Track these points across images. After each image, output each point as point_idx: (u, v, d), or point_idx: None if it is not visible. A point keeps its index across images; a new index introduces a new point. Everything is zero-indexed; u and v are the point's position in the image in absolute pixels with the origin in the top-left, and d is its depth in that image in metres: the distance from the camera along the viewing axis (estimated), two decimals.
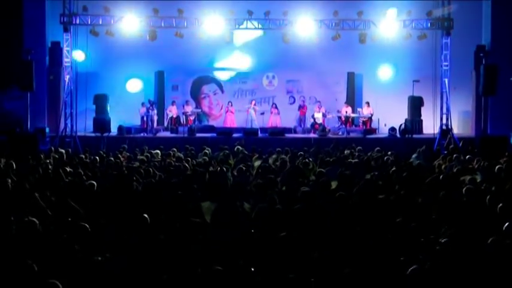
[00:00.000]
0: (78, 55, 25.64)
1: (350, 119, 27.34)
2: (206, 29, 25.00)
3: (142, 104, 26.68)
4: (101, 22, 24.73)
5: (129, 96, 27.39)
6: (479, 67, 23.75)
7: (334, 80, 28.76)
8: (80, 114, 24.74)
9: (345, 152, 19.38)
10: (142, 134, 25.55)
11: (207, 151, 18.98)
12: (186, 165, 15.69)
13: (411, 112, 26.32)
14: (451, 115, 24.49)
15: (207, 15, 24.79)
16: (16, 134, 22.45)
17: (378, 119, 26.59)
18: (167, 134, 26.45)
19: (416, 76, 24.33)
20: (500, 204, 9.98)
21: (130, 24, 24.70)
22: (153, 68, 28.44)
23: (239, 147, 19.73)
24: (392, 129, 25.44)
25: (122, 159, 17.37)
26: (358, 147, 20.23)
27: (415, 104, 26.18)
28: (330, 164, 15.88)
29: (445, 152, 20.65)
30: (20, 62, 22.70)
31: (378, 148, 19.87)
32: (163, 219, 9.51)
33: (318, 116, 27.03)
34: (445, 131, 24.05)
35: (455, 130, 25.14)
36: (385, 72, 28.41)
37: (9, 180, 12.43)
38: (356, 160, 16.96)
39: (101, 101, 26.26)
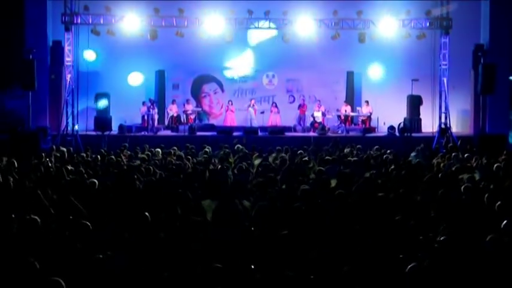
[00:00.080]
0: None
1: (349, 118, 27.39)
2: (206, 28, 25.06)
3: (143, 102, 26.72)
4: (102, 21, 24.75)
5: (130, 95, 27.39)
6: (478, 66, 23.85)
7: (333, 79, 28.79)
8: (81, 113, 24.78)
9: (345, 150, 19.46)
10: (143, 133, 25.61)
11: (207, 150, 19.03)
12: (187, 163, 15.76)
13: (410, 111, 26.37)
14: (449, 114, 24.52)
15: (207, 14, 24.84)
16: (18, 133, 22.47)
17: (377, 118, 26.64)
18: (168, 132, 26.48)
19: (415, 75, 24.37)
20: (499, 202, 10.02)
21: (131, 23, 24.73)
22: (153, 67, 28.48)
23: (239, 145, 19.80)
24: (392, 128, 25.51)
25: (123, 157, 17.43)
26: (358, 146, 20.28)
27: (414, 103, 26.25)
28: (330, 163, 15.93)
29: (444, 150, 20.67)
30: (21, 61, 22.74)
31: (377, 147, 19.93)
32: (164, 218, 9.53)
33: (318, 115, 27.08)
34: (444, 130, 24.10)
35: (454, 129, 25.20)
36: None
37: (11, 179, 12.48)
38: (355, 158, 17.02)
39: (103, 100, 26.36)
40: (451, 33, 24.61)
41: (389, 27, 24.98)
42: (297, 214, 9.88)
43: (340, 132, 26.15)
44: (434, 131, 24.45)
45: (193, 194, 11.23)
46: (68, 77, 24.47)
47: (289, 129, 26.75)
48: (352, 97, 28.68)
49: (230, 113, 27.93)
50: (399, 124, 25.46)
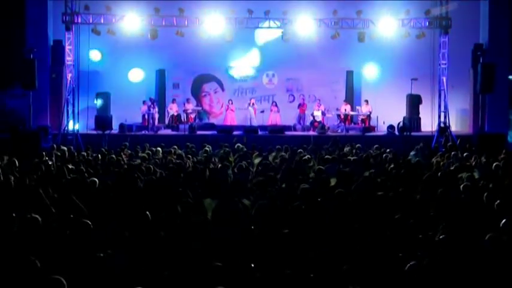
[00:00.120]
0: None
1: (349, 117, 27.44)
2: (207, 28, 25.09)
3: (144, 102, 26.77)
4: (102, 21, 24.82)
5: (131, 94, 27.42)
6: (477, 65, 23.89)
7: (333, 78, 28.88)
8: (81, 112, 24.81)
9: (345, 149, 19.48)
10: (143, 132, 25.68)
11: (207, 149, 19.07)
12: (187, 162, 15.79)
13: (409, 110, 26.40)
14: (449, 113, 24.59)
15: (207, 14, 24.89)
16: (19, 132, 22.48)
17: (377, 117, 26.70)
18: (168, 131, 26.54)
19: (414, 74, 24.34)
20: (498, 201, 10.05)
21: (131, 23, 24.79)
22: (154, 66, 28.57)
23: (239, 144, 19.84)
24: (391, 127, 25.56)
25: (123, 156, 17.47)
26: (357, 145, 20.30)
27: (414, 102, 26.28)
28: (329, 162, 15.97)
29: (443, 149, 20.69)
30: (22, 61, 22.74)
31: (376, 146, 19.95)
32: (164, 216, 9.55)
33: (318, 114, 27.13)
34: (443, 129, 24.16)
35: (453, 128, 25.26)
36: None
37: (12, 178, 12.51)
38: (355, 157, 17.06)
39: (102, 99, 26.42)
40: (451, 33, 24.67)
41: (388, 26, 25.05)
42: (297, 213, 9.88)
43: (339, 131, 26.21)
44: (433, 130, 24.49)
45: (193, 193, 11.25)
46: (69, 76, 24.53)
47: (289, 128, 26.82)
48: (351, 96, 28.77)
49: (230, 112, 27.99)
50: (399, 123, 25.48)
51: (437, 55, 24.72)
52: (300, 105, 28.08)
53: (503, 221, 8.77)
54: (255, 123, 26.99)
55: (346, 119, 27.22)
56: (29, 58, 22.54)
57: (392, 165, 15.18)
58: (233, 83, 29.11)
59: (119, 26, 25.00)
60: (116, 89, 27.05)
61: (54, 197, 10.82)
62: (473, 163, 16.08)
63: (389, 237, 8.61)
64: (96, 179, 12.31)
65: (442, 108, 24.65)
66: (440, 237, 8.23)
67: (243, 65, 29.01)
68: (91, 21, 24.65)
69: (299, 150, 18.22)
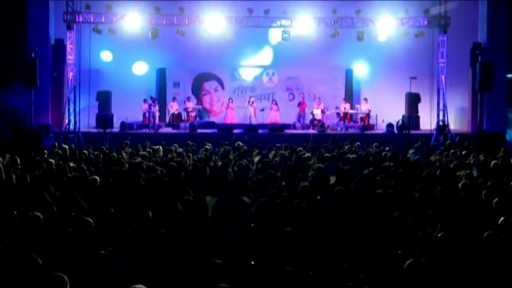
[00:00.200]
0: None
1: (348, 115, 27.48)
2: (207, 27, 25.13)
3: (144, 100, 26.79)
4: (103, 20, 24.81)
5: (132, 92, 27.43)
6: (476, 64, 23.90)
7: (332, 77, 28.91)
8: (82, 110, 24.86)
9: (344, 147, 19.52)
10: (144, 130, 25.75)
11: (207, 147, 19.10)
12: (187, 160, 15.84)
13: (408, 108, 26.47)
14: (447, 111, 24.63)
15: (208, 13, 24.92)
16: (20, 130, 22.59)
17: (376, 115, 26.77)
18: (169, 130, 26.60)
19: (413, 73, 24.39)
20: (496, 199, 10.11)
21: (132, 22, 24.82)
22: (155, 65, 28.65)
23: (239, 142, 19.90)
24: (390, 125, 25.61)
25: (124, 154, 17.52)
26: (357, 143, 20.34)
27: (413, 101, 26.35)
28: (329, 160, 16.00)
29: (442, 147, 20.78)
30: (24, 59, 22.82)
31: (375, 144, 19.97)
32: (165, 214, 9.58)
33: (317, 112, 27.18)
34: (442, 127, 24.22)
35: (452, 126, 25.26)
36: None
37: (14, 176, 12.55)
38: (354, 155, 17.09)
39: (103, 98, 26.51)
40: (449, 32, 24.70)
41: (387, 25, 25.07)
42: (297, 211, 9.89)
43: (339, 129, 26.26)
44: (432, 128, 24.51)
45: (194, 191, 11.29)
46: (70, 75, 24.58)
47: (288, 126, 26.83)
48: (351, 95, 28.80)
49: (230, 110, 28.05)
50: (398, 121, 25.57)
51: (436, 54, 24.75)
52: (299, 104, 28.13)
53: (502, 218, 8.84)
54: (254, 121, 27.05)
55: (345, 117, 27.27)
56: (30, 57, 22.61)
57: (391, 163, 15.24)
58: (233, 82, 29.16)
59: (119, 25, 25.02)
60: (116, 88, 27.07)
61: (55, 195, 10.84)
62: (472, 161, 16.13)
63: (388, 234, 8.65)
64: (97, 177, 12.33)
65: (441, 107, 24.69)
66: (439, 234, 8.26)
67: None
68: (92, 20, 24.66)
69: (299, 149, 18.26)
